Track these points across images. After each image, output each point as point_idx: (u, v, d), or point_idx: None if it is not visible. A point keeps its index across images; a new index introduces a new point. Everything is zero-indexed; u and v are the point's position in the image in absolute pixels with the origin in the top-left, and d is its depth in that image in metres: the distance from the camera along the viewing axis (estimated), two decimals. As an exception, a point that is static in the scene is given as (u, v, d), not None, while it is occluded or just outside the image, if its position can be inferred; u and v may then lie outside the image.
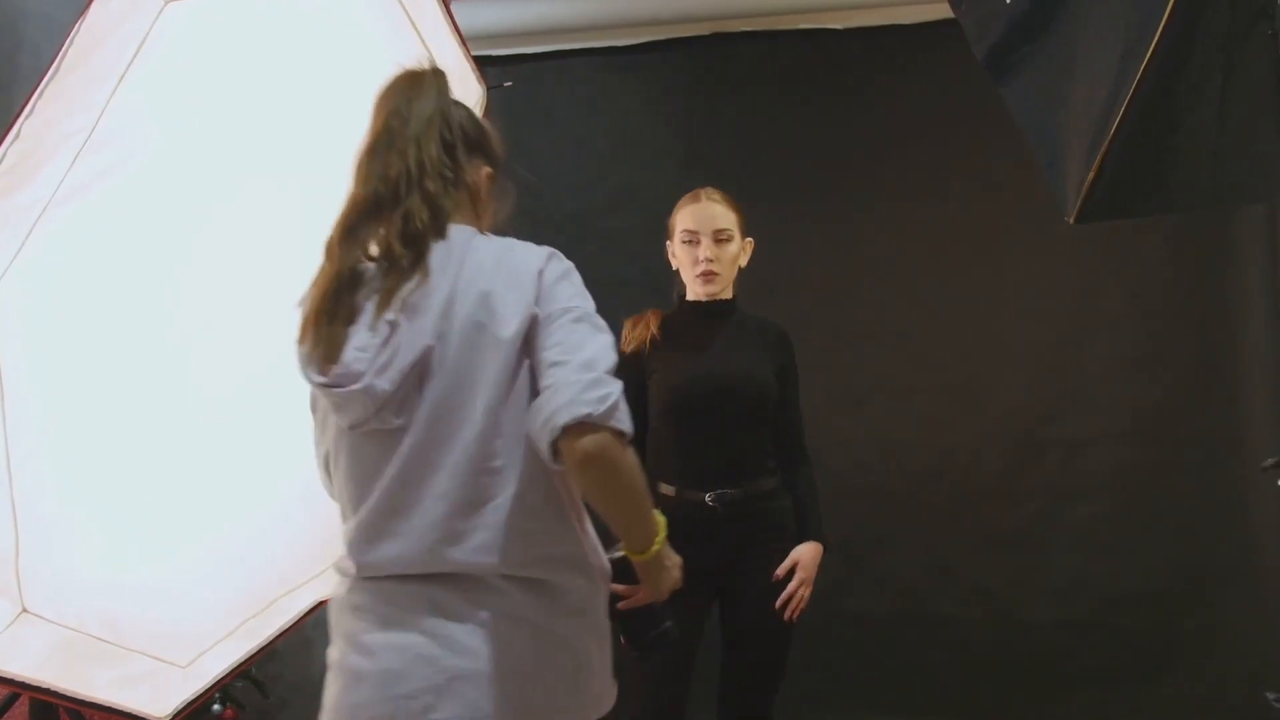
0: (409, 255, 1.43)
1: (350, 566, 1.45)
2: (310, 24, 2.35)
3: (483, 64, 3.39)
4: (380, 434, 1.42)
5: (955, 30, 2.15)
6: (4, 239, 1.95)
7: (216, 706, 2.58)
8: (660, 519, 1.53)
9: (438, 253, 1.45)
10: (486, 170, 1.62)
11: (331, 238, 1.48)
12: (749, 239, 2.53)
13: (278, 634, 2.43)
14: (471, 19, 3.44)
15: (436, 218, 1.47)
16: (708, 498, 2.36)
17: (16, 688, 2.05)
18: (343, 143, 1.62)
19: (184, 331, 2.25)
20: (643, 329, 2.49)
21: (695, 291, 2.50)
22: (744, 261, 2.54)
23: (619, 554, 1.54)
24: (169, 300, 2.21)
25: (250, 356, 2.25)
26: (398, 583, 1.40)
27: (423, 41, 2.80)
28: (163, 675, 2.24)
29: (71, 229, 2.02)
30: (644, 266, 3.12)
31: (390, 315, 1.40)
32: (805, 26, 3.94)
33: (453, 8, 2.95)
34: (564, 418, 1.33)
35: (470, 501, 1.39)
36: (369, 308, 1.42)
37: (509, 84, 3.62)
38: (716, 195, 2.51)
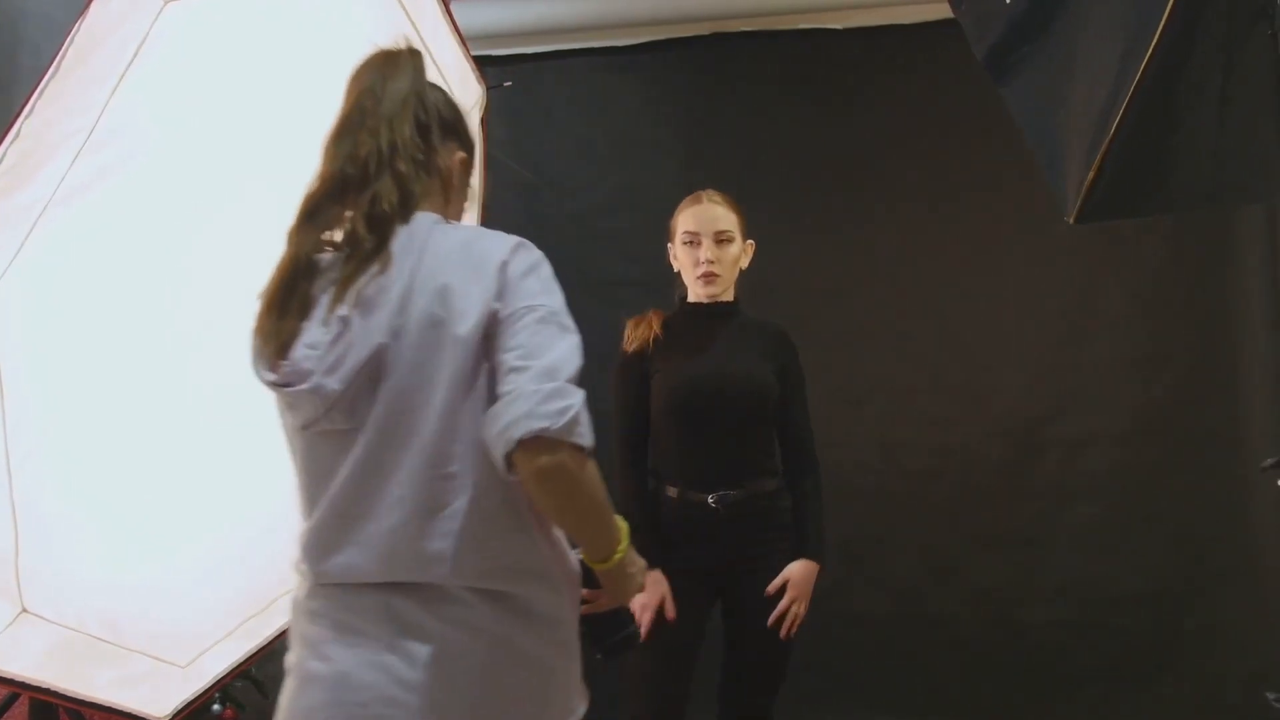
0: (372, 240, 1.36)
1: (307, 571, 1.39)
2: (310, 24, 2.35)
3: (483, 64, 3.39)
4: (334, 435, 1.35)
5: (955, 30, 2.15)
6: (4, 239, 1.95)
7: (216, 706, 2.58)
8: (623, 525, 1.46)
9: (400, 240, 1.37)
10: (460, 155, 1.54)
11: (292, 222, 1.42)
12: (750, 241, 2.54)
13: (277, 634, 2.43)
14: (471, 19, 3.44)
15: (405, 202, 1.39)
16: (709, 499, 2.36)
17: (16, 688, 2.05)
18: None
19: (184, 331, 2.25)
20: (645, 328, 2.49)
21: (696, 293, 2.50)
22: (745, 263, 2.54)
23: (578, 557, 1.49)
24: (169, 300, 2.21)
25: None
26: (354, 591, 1.34)
27: (423, 41, 2.80)
28: (163, 675, 2.24)
29: (71, 229, 2.02)
30: (644, 267, 3.12)
31: (343, 310, 1.33)
32: (805, 26, 3.94)
33: (453, 8, 2.96)
34: (520, 431, 1.25)
35: (426, 508, 1.32)
36: (324, 300, 1.35)
37: (509, 84, 3.62)
38: (718, 197, 2.52)
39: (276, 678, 1.47)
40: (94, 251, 2.09)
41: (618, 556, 1.43)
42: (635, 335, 2.49)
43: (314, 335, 1.33)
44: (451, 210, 1.52)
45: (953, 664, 3.67)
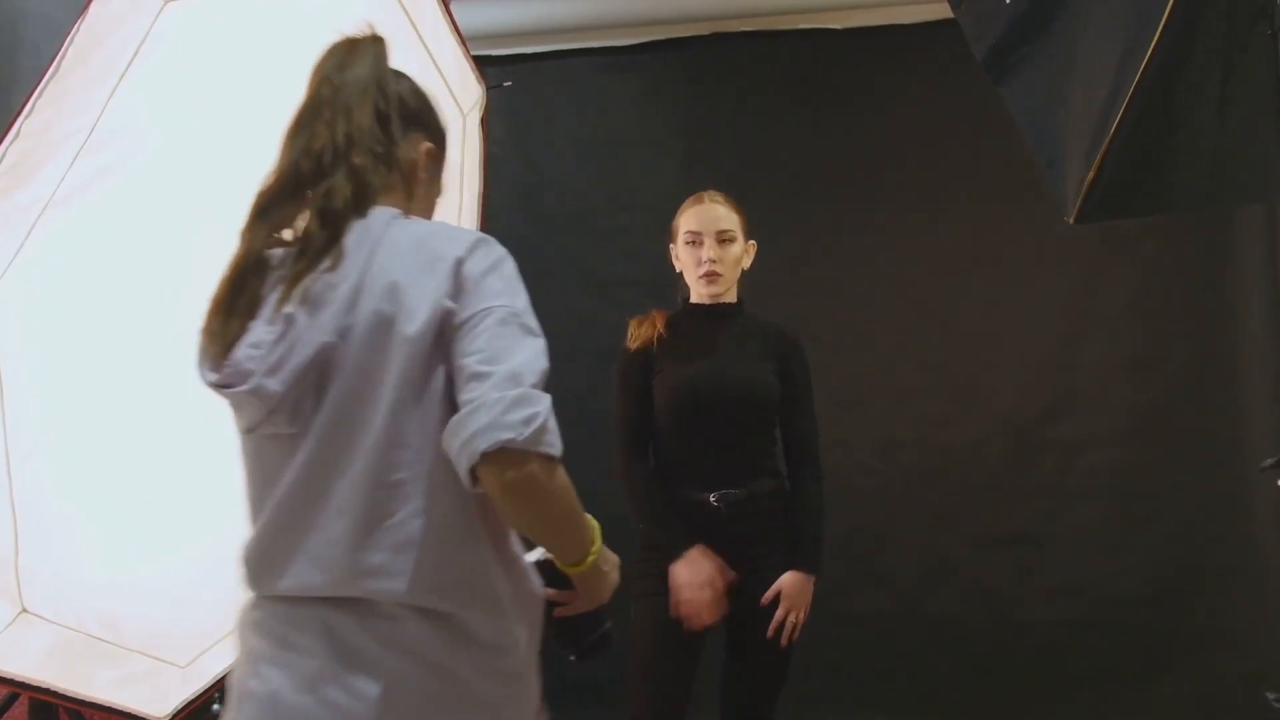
0: (324, 236, 1.28)
1: (246, 583, 1.32)
2: (310, 24, 2.35)
3: (483, 64, 3.40)
4: (280, 439, 1.27)
5: (954, 30, 2.15)
6: (4, 239, 1.95)
7: (216, 706, 2.58)
8: (594, 525, 1.38)
9: (355, 235, 1.29)
10: (426, 146, 1.45)
11: (245, 219, 1.35)
12: (752, 241, 2.54)
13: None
14: (471, 19, 3.44)
15: (361, 196, 1.31)
16: (711, 498, 2.36)
17: (16, 688, 2.05)
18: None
19: (183, 331, 2.24)
20: (649, 327, 2.49)
21: (699, 293, 2.50)
22: (747, 264, 2.54)
23: (544, 558, 1.39)
24: (168, 300, 2.21)
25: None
26: (293, 605, 1.26)
27: (422, 41, 2.80)
28: (163, 675, 2.25)
29: (71, 229, 2.02)
30: (644, 266, 3.12)
31: (289, 308, 1.25)
32: (804, 26, 3.94)
33: (453, 8, 2.96)
34: (484, 443, 1.17)
35: (368, 518, 1.23)
36: (273, 299, 1.27)
37: (509, 84, 3.63)
38: (719, 197, 2.52)
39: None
40: (94, 251, 2.09)
41: (591, 559, 1.35)
42: (639, 334, 2.49)
43: (258, 334, 1.26)
44: (417, 205, 1.44)
45: (953, 664, 3.67)
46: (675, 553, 2.31)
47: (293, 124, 1.37)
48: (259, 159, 2.18)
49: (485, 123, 3.31)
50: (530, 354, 1.24)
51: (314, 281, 1.26)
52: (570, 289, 3.90)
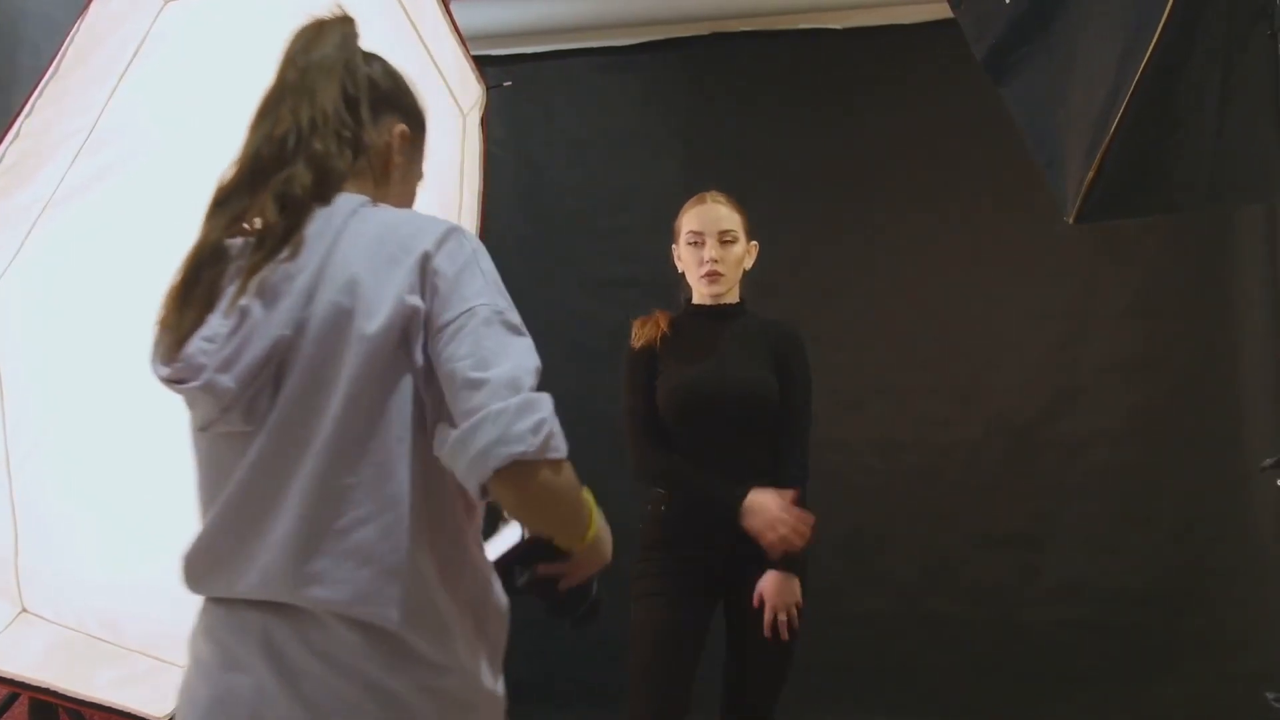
0: (283, 226, 1.21)
1: (188, 585, 1.26)
2: (310, 24, 2.35)
3: (483, 64, 3.40)
4: (235, 438, 1.21)
5: (954, 30, 2.15)
6: (4, 239, 1.95)
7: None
8: (589, 499, 1.34)
9: (316, 224, 1.22)
10: (400, 129, 1.37)
11: (205, 210, 1.29)
12: (754, 242, 2.54)
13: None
14: (471, 19, 3.44)
15: (324, 183, 1.24)
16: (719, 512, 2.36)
17: (16, 687, 2.05)
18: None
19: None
20: (652, 327, 2.49)
21: (700, 293, 2.50)
22: (749, 264, 2.54)
23: (532, 537, 1.36)
24: (169, 300, 2.20)
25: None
26: (235, 609, 1.21)
27: (422, 41, 2.80)
28: (163, 675, 2.24)
29: (71, 229, 2.02)
30: (644, 266, 3.12)
31: (244, 300, 1.19)
32: (804, 26, 3.94)
33: (453, 8, 2.96)
34: (496, 460, 1.13)
35: (313, 523, 1.17)
36: (230, 291, 1.21)
37: (509, 83, 3.63)
38: (721, 197, 2.52)
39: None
40: (94, 251, 2.09)
41: (590, 535, 1.32)
42: (642, 333, 2.49)
43: (213, 328, 1.19)
44: (392, 191, 1.37)
45: (953, 664, 3.67)
46: (736, 504, 2.30)
47: (257, 111, 1.31)
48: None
49: (485, 123, 3.31)
50: (522, 354, 1.19)
51: (271, 272, 1.19)
52: (570, 289, 3.90)
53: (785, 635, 2.34)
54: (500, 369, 1.16)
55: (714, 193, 2.54)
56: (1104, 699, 3.54)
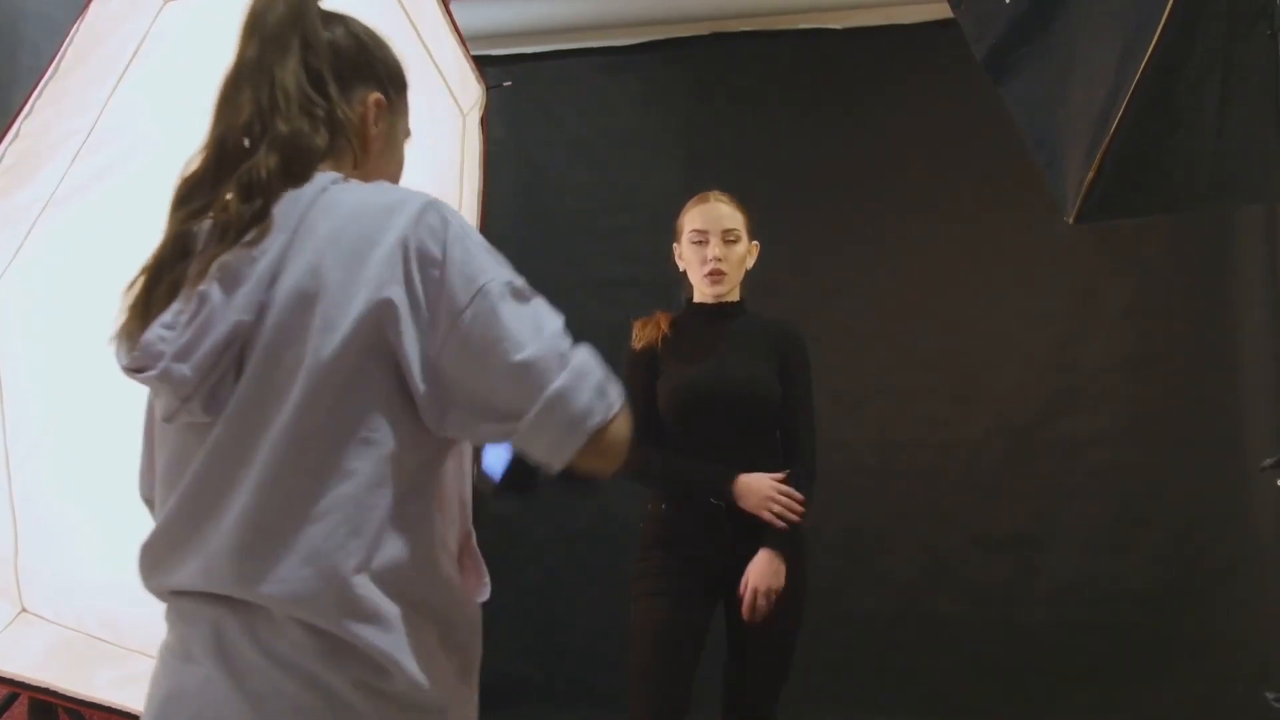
0: (248, 210, 1.14)
1: (142, 581, 1.22)
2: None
3: (482, 64, 3.40)
4: (199, 428, 1.15)
5: (954, 30, 2.15)
6: (4, 239, 1.95)
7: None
8: None
9: (284, 206, 1.15)
10: (374, 98, 1.28)
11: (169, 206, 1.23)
12: (755, 242, 2.54)
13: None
14: (471, 19, 3.44)
15: (292, 165, 1.17)
16: (712, 497, 2.36)
17: (16, 687, 2.05)
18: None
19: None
20: (653, 328, 2.49)
21: (703, 292, 2.50)
22: (750, 263, 2.54)
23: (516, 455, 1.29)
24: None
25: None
26: (186, 600, 1.17)
27: (422, 41, 2.81)
28: (162, 675, 2.24)
29: (71, 228, 2.02)
30: (644, 266, 3.12)
31: (203, 285, 1.12)
32: (804, 26, 3.94)
33: (453, 8, 2.96)
34: (581, 438, 1.13)
35: (259, 519, 1.11)
36: (192, 275, 1.15)
37: (508, 83, 3.63)
38: (724, 197, 2.53)
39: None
40: (94, 251, 2.09)
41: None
42: (643, 334, 2.49)
43: (172, 314, 1.13)
44: (373, 165, 1.29)
45: (953, 664, 3.67)
46: (729, 484, 2.34)
47: (218, 97, 1.23)
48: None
49: (485, 122, 3.31)
50: (547, 318, 1.16)
51: (233, 256, 1.12)
52: (570, 289, 3.90)
53: (755, 618, 2.32)
54: (539, 344, 1.13)
55: (716, 192, 2.54)
56: (1104, 699, 3.54)
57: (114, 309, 1.21)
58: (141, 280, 1.18)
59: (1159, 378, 3.65)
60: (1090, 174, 1.76)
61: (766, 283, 2.70)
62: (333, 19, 1.27)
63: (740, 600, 2.39)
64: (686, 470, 2.41)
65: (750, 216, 2.53)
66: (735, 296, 2.52)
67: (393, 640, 1.13)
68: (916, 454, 3.78)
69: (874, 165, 3.87)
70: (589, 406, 1.13)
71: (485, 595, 1.28)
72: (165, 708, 1.15)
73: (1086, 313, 3.73)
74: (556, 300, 1.22)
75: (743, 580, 2.34)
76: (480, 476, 1.34)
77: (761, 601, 2.32)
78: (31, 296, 2.02)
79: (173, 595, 1.20)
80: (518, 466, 1.32)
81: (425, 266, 1.12)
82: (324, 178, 1.17)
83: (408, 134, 1.37)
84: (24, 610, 2.04)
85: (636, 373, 2.46)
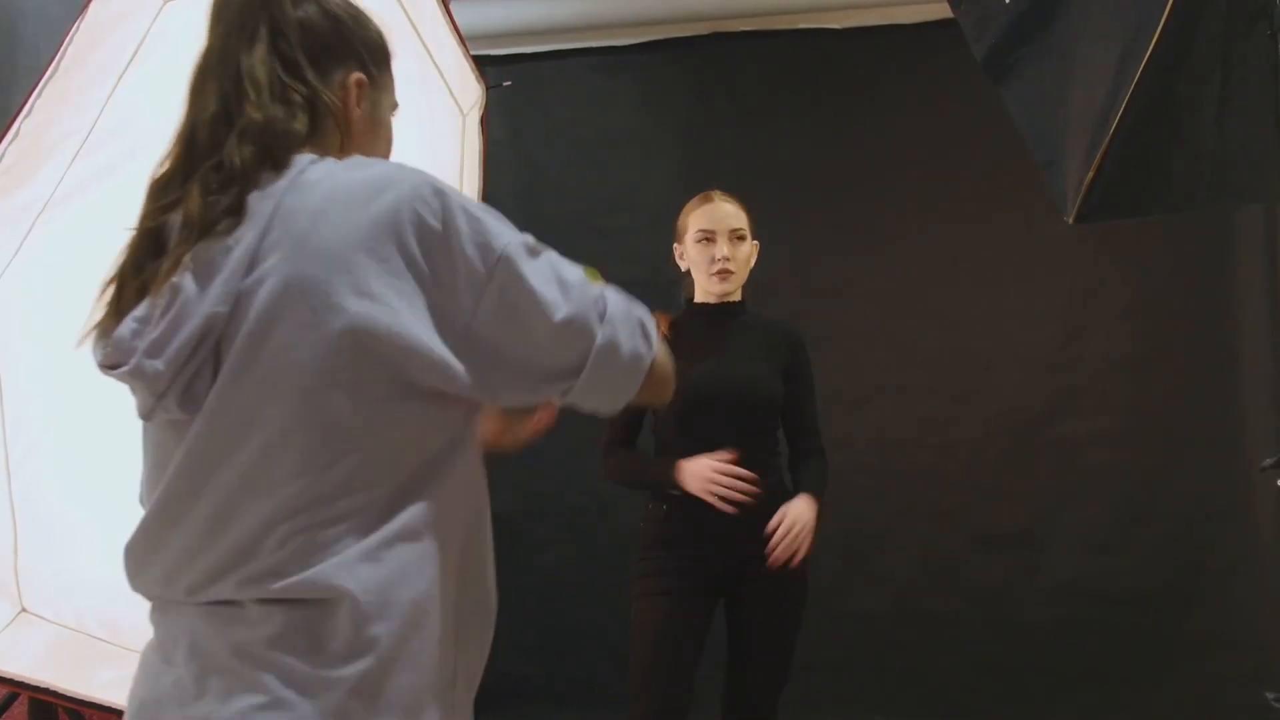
0: (222, 202, 1.08)
1: (129, 584, 1.18)
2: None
3: (482, 63, 3.39)
4: (179, 426, 1.10)
5: (955, 30, 2.14)
6: (4, 238, 1.95)
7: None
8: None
9: (261, 191, 1.09)
10: (354, 79, 1.21)
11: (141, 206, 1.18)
12: (755, 241, 2.54)
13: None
14: (471, 19, 3.44)
15: (270, 152, 1.10)
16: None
17: (16, 687, 2.05)
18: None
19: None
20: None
21: (708, 291, 2.51)
22: (752, 262, 2.55)
23: None
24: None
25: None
26: (167, 609, 1.14)
27: (422, 41, 2.80)
28: (162, 675, 2.24)
29: (71, 228, 2.02)
30: (644, 266, 3.12)
31: (176, 277, 1.07)
32: (804, 26, 3.94)
33: (453, 8, 2.95)
34: (636, 382, 1.18)
35: (246, 515, 1.06)
36: (164, 268, 1.10)
37: (508, 83, 3.63)
38: (727, 196, 2.53)
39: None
40: (94, 251, 2.09)
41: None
42: None
43: (144, 307, 1.08)
44: (357, 147, 1.22)
45: (952, 664, 3.67)
46: (673, 471, 2.34)
47: (188, 88, 1.17)
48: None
49: (485, 122, 3.31)
50: (567, 269, 1.15)
51: (206, 245, 1.07)
52: (570, 289, 3.90)
53: (781, 557, 2.31)
54: (571, 300, 1.13)
55: (718, 192, 2.54)
56: (1104, 699, 3.54)
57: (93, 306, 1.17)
58: (115, 275, 1.15)
59: (1159, 378, 3.65)
60: (1090, 174, 1.76)
61: (766, 283, 2.71)
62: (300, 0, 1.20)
63: (737, 599, 2.40)
64: (639, 468, 2.46)
65: (751, 216, 2.53)
66: (737, 296, 2.53)
67: (382, 645, 1.07)
68: (916, 454, 3.78)
69: (874, 165, 3.87)
70: (635, 350, 1.16)
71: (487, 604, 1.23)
72: (140, 715, 1.12)
73: (1086, 313, 3.73)
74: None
75: (776, 516, 2.33)
76: None
77: (787, 540, 2.30)
78: (31, 296, 2.02)
79: (152, 599, 1.16)
80: None
81: (428, 243, 1.07)
82: (301, 159, 1.12)
83: (394, 107, 1.32)
84: (24, 610, 2.04)
85: None
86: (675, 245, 2.56)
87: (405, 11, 2.72)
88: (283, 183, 1.09)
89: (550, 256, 1.15)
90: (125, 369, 1.08)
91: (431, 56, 2.89)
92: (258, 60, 1.14)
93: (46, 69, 1.90)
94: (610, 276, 1.25)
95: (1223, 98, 1.74)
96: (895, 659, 3.71)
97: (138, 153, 2.10)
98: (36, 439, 2.09)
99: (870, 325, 3.84)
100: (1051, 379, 3.74)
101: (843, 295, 3.86)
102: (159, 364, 1.06)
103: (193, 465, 1.08)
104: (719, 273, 2.46)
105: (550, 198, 4.07)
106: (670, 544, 2.39)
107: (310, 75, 1.17)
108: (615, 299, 1.18)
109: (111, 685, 2.15)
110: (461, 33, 3.02)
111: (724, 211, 2.48)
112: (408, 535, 1.09)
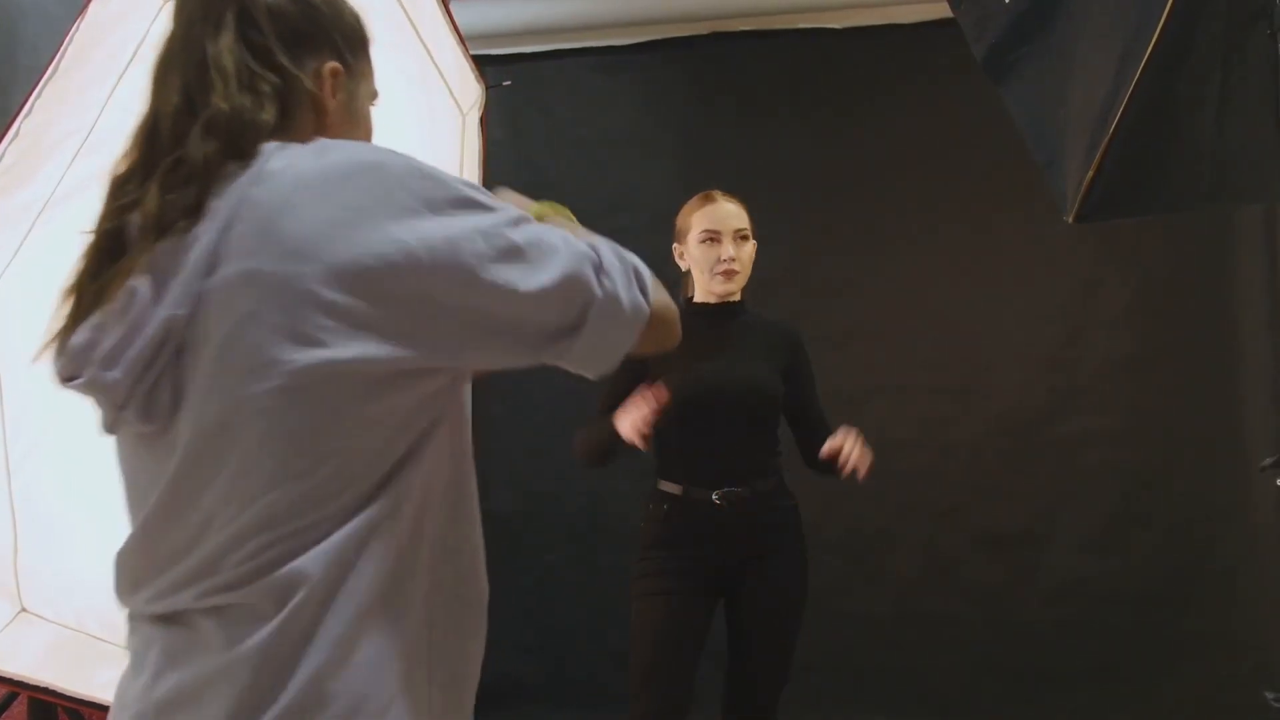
0: (182, 198, 1.01)
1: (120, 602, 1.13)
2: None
3: (482, 63, 3.40)
4: (151, 439, 1.04)
5: (954, 30, 2.15)
6: (4, 238, 1.95)
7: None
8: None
9: (223, 185, 1.02)
10: (330, 67, 1.13)
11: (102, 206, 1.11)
12: (754, 241, 2.55)
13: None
14: (471, 18, 3.44)
15: (236, 144, 1.03)
16: (714, 496, 2.36)
17: (15, 687, 2.05)
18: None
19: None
20: None
21: (710, 291, 2.51)
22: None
23: None
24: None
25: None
26: (138, 622, 1.09)
27: (422, 41, 2.81)
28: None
29: (71, 228, 2.02)
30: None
31: (132, 280, 1.00)
32: (804, 26, 3.94)
33: (452, 8, 2.96)
34: (637, 331, 1.12)
35: (224, 525, 1.00)
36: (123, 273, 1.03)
37: (508, 83, 3.63)
38: (729, 196, 2.54)
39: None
40: (93, 251, 2.09)
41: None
42: None
43: (100, 314, 1.01)
44: (330, 135, 1.14)
45: (952, 664, 3.67)
46: (610, 429, 2.29)
47: (151, 80, 1.10)
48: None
49: (484, 122, 3.31)
50: (550, 233, 1.09)
51: (162, 247, 1.00)
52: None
53: (851, 467, 2.34)
54: (561, 257, 1.07)
55: (719, 192, 2.54)
56: (1103, 698, 3.54)
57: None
58: (73, 282, 1.07)
59: (1159, 378, 3.65)
60: (1090, 174, 1.76)
61: (766, 283, 2.71)
62: None
63: (738, 598, 2.40)
64: (590, 432, 2.41)
65: (752, 216, 2.54)
66: (737, 296, 2.53)
67: (329, 646, 0.99)
68: (916, 454, 3.77)
69: (874, 165, 3.87)
70: (634, 303, 1.11)
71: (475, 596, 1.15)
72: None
73: (1086, 313, 3.73)
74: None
75: (839, 434, 2.34)
76: None
77: (856, 449, 2.34)
78: (31, 296, 2.01)
79: (133, 620, 1.11)
80: None
81: (403, 239, 0.99)
82: (266, 149, 1.04)
83: (374, 96, 1.23)
84: (24, 610, 2.04)
85: (620, 375, 2.44)
86: (675, 245, 2.56)
87: (405, 11, 2.72)
88: (246, 175, 1.01)
89: (531, 228, 1.08)
90: (81, 381, 1.03)
91: (431, 56, 2.89)
92: (224, 48, 1.07)
93: (46, 69, 1.90)
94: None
95: (1223, 98, 1.74)
96: (895, 659, 3.71)
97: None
98: (36, 439, 2.09)
99: (870, 325, 3.84)
100: (1051, 379, 3.74)
101: (843, 295, 3.86)
102: (116, 374, 1.00)
103: (180, 481, 1.02)
104: (724, 273, 2.46)
105: (550, 198, 4.06)
106: (670, 544, 2.39)
107: (283, 63, 1.09)
108: (606, 249, 1.13)
109: (111, 685, 2.13)
110: (461, 32, 3.02)
111: (728, 212, 2.49)
112: (373, 531, 1.02)
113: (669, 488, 2.41)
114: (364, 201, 0.99)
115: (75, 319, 1.04)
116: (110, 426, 1.07)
